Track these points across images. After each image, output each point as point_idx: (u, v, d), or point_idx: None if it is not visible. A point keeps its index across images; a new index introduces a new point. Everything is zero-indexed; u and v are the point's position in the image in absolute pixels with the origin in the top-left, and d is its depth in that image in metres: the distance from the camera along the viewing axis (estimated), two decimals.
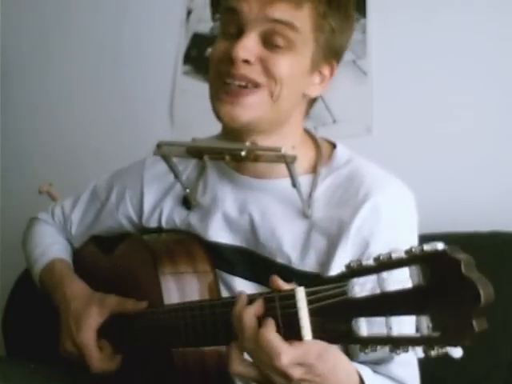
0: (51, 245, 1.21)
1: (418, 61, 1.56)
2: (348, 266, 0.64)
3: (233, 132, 0.96)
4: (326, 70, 0.98)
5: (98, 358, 1.01)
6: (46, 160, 2.07)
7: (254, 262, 0.98)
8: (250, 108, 0.91)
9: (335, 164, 0.99)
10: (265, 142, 0.94)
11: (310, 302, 0.68)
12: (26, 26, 2.16)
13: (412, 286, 0.58)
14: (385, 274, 0.60)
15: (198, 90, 1.82)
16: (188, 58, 1.89)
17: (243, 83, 0.90)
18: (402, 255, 0.59)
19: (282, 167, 0.93)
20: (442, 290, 0.56)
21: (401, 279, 0.59)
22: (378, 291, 0.61)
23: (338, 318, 0.65)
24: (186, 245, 1.02)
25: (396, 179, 0.97)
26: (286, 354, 0.69)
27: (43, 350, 1.23)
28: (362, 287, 0.63)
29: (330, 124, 1.65)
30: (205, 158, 0.96)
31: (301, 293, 0.69)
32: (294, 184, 0.92)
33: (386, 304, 0.60)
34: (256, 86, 0.91)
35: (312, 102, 1.03)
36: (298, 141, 1.00)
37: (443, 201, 1.45)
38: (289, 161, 0.88)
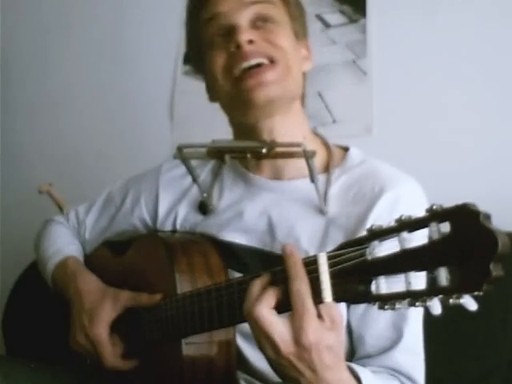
0: (67, 244, 1.21)
1: (418, 61, 1.56)
2: (370, 230, 0.67)
3: (257, 120, 0.97)
4: (304, 49, 1.05)
5: (111, 352, 1.01)
6: (46, 160, 2.07)
7: (269, 261, 0.98)
8: (275, 83, 0.95)
9: (349, 164, 1.01)
10: (278, 125, 0.98)
11: (331, 266, 0.70)
12: (25, 27, 2.17)
13: (430, 241, 0.60)
14: (405, 234, 0.62)
15: (198, 90, 1.82)
16: (188, 58, 1.89)
17: (259, 60, 0.95)
18: (423, 214, 0.62)
19: (297, 167, 0.97)
20: (461, 240, 0.58)
21: (421, 238, 0.61)
22: (398, 250, 0.63)
23: (358, 279, 0.67)
24: (200, 244, 1.02)
25: (409, 176, 1.00)
26: (264, 301, 0.71)
27: (43, 349, 1.23)
28: (383, 249, 0.65)
29: (330, 124, 1.65)
30: (226, 158, 0.97)
31: (323, 258, 0.71)
32: (313, 179, 0.94)
33: (406, 260, 0.62)
34: (272, 61, 0.95)
35: (304, 82, 1.06)
36: (307, 133, 1.02)
37: (443, 201, 1.45)
38: (308, 155, 0.91)
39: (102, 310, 1.02)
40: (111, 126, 1.99)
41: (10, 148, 2.14)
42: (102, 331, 1.00)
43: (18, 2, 2.18)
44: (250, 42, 0.94)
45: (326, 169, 1.00)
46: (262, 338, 0.71)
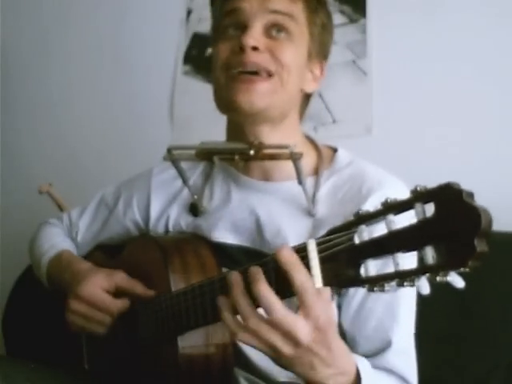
0: (61, 242, 1.22)
1: (418, 61, 1.56)
2: (356, 214, 0.67)
3: (243, 123, 0.98)
4: (317, 70, 1.04)
5: (110, 299, 1.00)
6: (46, 160, 2.07)
7: (260, 260, 0.98)
8: (265, 95, 0.95)
9: (337, 166, 1.02)
10: (267, 136, 0.98)
11: (320, 251, 0.71)
12: (26, 27, 2.17)
13: (416, 221, 0.61)
14: (392, 217, 0.63)
15: (198, 90, 1.82)
16: (188, 58, 1.89)
17: (255, 69, 0.95)
18: (408, 195, 0.62)
19: (287, 169, 0.97)
20: (445, 219, 0.59)
21: (407, 219, 0.62)
22: (385, 232, 0.63)
23: (347, 263, 0.67)
24: (194, 244, 1.03)
25: (396, 178, 1.00)
26: (277, 304, 0.70)
27: (43, 349, 1.23)
28: (371, 233, 0.65)
29: (330, 124, 1.65)
30: (214, 159, 0.98)
31: (312, 244, 0.71)
32: (300, 181, 0.95)
33: (392, 242, 0.63)
34: (268, 73, 0.95)
35: (306, 101, 1.07)
36: (298, 141, 1.02)
37: None
38: (296, 157, 0.92)
39: (94, 276, 1.02)
40: (111, 125, 1.99)
41: (10, 148, 2.14)
42: (93, 288, 1.00)
43: (18, 2, 2.18)
44: (255, 48, 0.94)
45: (316, 171, 1.01)
46: (280, 338, 0.70)
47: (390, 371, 0.92)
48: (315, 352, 0.72)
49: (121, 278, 1.02)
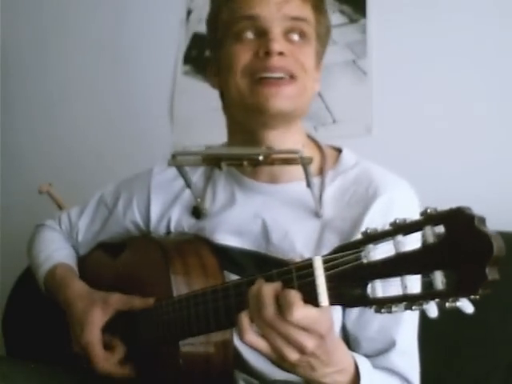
0: (56, 250, 1.21)
1: (418, 61, 1.56)
2: (364, 233, 0.66)
3: (256, 126, 0.98)
4: (317, 70, 1.05)
5: (103, 356, 1.00)
6: (46, 160, 2.07)
7: (264, 263, 0.98)
8: (292, 98, 0.95)
9: (342, 167, 1.02)
10: (280, 138, 0.98)
11: (326, 269, 0.69)
12: (25, 26, 2.16)
13: (425, 244, 0.60)
14: (400, 237, 0.62)
15: (198, 90, 1.82)
16: (188, 58, 1.89)
17: (281, 74, 0.95)
18: (417, 217, 0.61)
19: (293, 171, 0.97)
20: (456, 244, 0.58)
21: (416, 241, 0.61)
22: (393, 253, 0.62)
23: (353, 282, 0.66)
24: (196, 245, 1.02)
25: (402, 179, 1.00)
26: (298, 306, 0.68)
27: (43, 349, 1.23)
28: (378, 252, 0.64)
29: (330, 124, 1.65)
30: (222, 166, 0.96)
31: (318, 261, 0.70)
32: (309, 184, 0.94)
33: (401, 264, 0.62)
34: (292, 77, 0.96)
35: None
36: (304, 140, 1.03)
37: (443, 201, 1.45)
38: (305, 162, 0.91)
39: (91, 316, 1.01)
40: (111, 126, 1.99)
41: (10, 148, 2.14)
42: (91, 336, 1.00)
43: (18, 2, 2.18)
44: (280, 53, 0.94)
45: (320, 171, 1.01)
46: (309, 335, 0.69)
47: (392, 371, 0.92)
48: (318, 356, 0.72)
49: (117, 302, 1.02)
